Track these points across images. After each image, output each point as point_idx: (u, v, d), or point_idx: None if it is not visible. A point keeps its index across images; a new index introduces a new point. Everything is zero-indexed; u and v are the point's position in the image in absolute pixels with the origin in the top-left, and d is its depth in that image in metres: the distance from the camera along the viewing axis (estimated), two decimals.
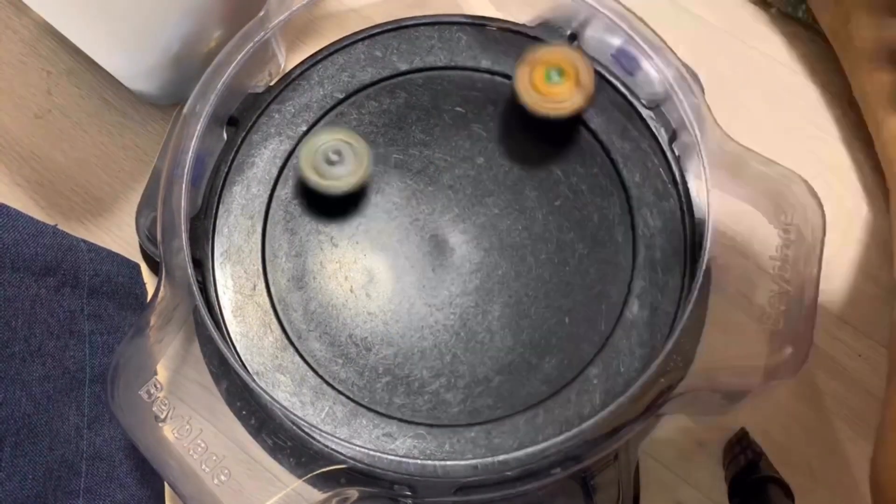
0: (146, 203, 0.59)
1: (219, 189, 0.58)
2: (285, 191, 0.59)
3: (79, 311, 0.57)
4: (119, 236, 0.66)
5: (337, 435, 0.53)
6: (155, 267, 0.62)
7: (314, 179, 0.56)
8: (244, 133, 0.59)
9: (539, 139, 0.60)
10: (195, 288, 0.52)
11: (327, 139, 0.57)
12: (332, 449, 0.53)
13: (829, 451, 0.60)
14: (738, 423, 0.60)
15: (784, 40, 0.69)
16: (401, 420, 0.54)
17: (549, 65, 0.57)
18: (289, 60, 0.64)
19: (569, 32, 0.62)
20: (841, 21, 0.66)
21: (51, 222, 0.64)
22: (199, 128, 0.55)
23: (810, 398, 0.61)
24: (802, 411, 0.61)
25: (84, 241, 0.59)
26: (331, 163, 0.56)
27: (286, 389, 0.54)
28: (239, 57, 0.57)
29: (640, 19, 0.57)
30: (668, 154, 0.59)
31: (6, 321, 0.50)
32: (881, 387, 0.60)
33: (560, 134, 0.60)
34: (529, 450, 0.51)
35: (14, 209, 0.51)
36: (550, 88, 0.57)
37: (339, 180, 0.56)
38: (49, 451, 0.52)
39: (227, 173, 0.59)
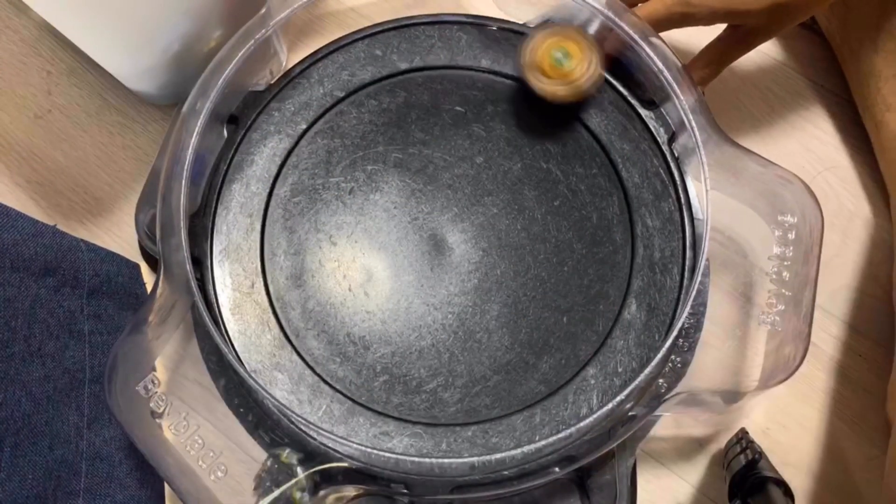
0: (145, 200, 0.59)
1: (218, 187, 0.58)
2: (284, 189, 0.59)
3: (78, 312, 0.57)
4: (119, 236, 0.66)
5: (334, 433, 0.53)
6: (154, 264, 0.62)
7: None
8: (244, 131, 0.59)
9: (538, 139, 0.60)
10: (194, 285, 0.53)
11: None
12: (329, 447, 0.53)
13: (829, 451, 0.60)
14: (738, 423, 0.60)
15: (784, 41, 0.69)
16: (398, 419, 0.54)
17: (556, 45, 0.57)
18: (290, 59, 0.64)
19: None
20: (839, 23, 0.66)
21: (51, 222, 0.64)
22: (198, 125, 0.55)
23: (810, 398, 0.61)
24: (802, 411, 0.61)
25: (84, 242, 0.59)
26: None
27: (284, 387, 0.54)
28: (240, 54, 0.57)
29: (640, 19, 0.57)
30: (668, 155, 0.59)
31: (6, 321, 0.50)
32: (881, 387, 0.60)
33: (560, 133, 0.60)
34: (526, 449, 0.51)
35: (14, 209, 0.51)
36: (558, 69, 0.57)
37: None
38: (49, 452, 0.52)
39: (227, 171, 0.59)
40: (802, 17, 0.58)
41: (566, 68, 0.56)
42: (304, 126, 0.60)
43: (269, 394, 0.51)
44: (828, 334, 0.62)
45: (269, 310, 0.56)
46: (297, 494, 0.50)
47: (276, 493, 0.50)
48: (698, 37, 0.60)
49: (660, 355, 0.52)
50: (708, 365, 0.57)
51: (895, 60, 0.62)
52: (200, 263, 0.57)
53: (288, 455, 0.51)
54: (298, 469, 0.51)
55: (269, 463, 0.52)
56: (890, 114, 0.62)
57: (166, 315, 0.54)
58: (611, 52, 0.60)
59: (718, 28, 0.59)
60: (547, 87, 0.57)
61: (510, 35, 0.62)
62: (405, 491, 0.52)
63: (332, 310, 0.56)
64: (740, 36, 0.58)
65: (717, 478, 0.59)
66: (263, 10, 0.58)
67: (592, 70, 0.57)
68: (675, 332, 0.52)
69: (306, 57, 0.62)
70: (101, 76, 0.69)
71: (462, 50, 0.61)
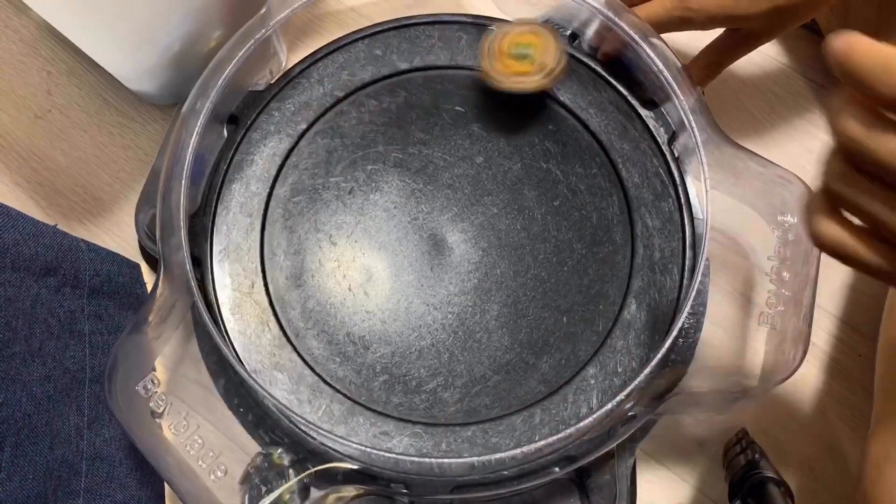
0: (145, 200, 0.59)
1: (218, 187, 0.58)
2: (284, 189, 0.59)
3: (79, 311, 0.57)
4: (119, 236, 0.66)
5: (334, 433, 0.53)
6: (154, 264, 0.62)
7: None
8: (244, 131, 0.60)
9: (539, 139, 0.60)
10: (193, 285, 0.52)
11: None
12: (329, 447, 0.53)
13: (829, 451, 0.60)
14: (738, 423, 0.60)
15: (784, 41, 0.69)
16: (398, 418, 0.54)
17: (516, 41, 0.57)
18: (290, 59, 0.64)
19: (569, 32, 0.62)
20: (839, 23, 0.66)
21: (51, 222, 0.64)
22: (198, 125, 0.55)
23: (810, 398, 0.61)
24: (802, 411, 0.61)
25: (84, 242, 0.59)
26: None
27: (283, 387, 0.54)
28: (240, 54, 0.57)
29: (640, 19, 0.57)
30: (668, 154, 0.59)
31: (7, 321, 0.50)
32: None
33: (560, 133, 0.60)
34: (526, 449, 0.51)
35: (14, 209, 0.51)
36: (515, 64, 0.57)
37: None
38: (49, 452, 0.52)
39: (227, 171, 0.59)
40: (801, 21, 0.58)
41: (526, 62, 0.57)
42: (304, 126, 0.60)
43: (269, 393, 0.51)
44: (828, 334, 0.62)
45: (269, 309, 0.56)
46: (287, 496, 0.50)
47: (273, 496, 0.50)
48: (698, 37, 0.60)
49: (660, 355, 0.52)
50: (708, 365, 0.57)
51: None
52: (200, 263, 0.57)
53: (280, 455, 0.51)
54: (290, 471, 0.51)
55: (258, 459, 0.52)
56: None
57: (166, 315, 0.54)
58: (611, 51, 0.60)
59: (718, 29, 0.59)
60: (506, 81, 0.57)
61: None
62: (405, 491, 0.52)
63: (331, 309, 0.56)
64: (740, 38, 0.58)
65: (717, 478, 0.59)
66: (263, 10, 0.59)
67: (555, 62, 0.57)
68: (675, 332, 0.52)
69: (306, 57, 0.62)
70: (101, 76, 0.69)
71: (462, 50, 0.61)
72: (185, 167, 0.54)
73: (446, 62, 0.61)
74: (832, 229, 0.36)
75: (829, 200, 0.36)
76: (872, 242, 0.35)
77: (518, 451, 0.51)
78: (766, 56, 0.69)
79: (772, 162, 0.56)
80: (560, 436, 0.51)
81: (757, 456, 0.56)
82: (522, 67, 0.57)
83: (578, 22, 0.61)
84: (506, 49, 0.57)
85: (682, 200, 0.58)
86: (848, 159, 0.35)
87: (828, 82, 0.68)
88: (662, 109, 0.60)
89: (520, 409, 0.54)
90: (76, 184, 0.67)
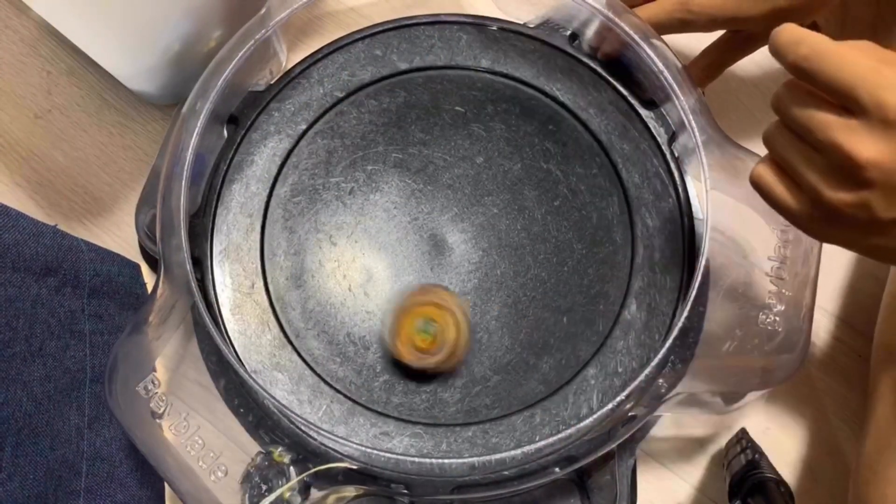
0: (145, 201, 0.59)
1: (218, 187, 0.58)
2: (284, 189, 0.59)
3: (79, 311, 0.57)
4: (119, 236, 0.66)
5: (334, 433, 0.53)
6: (154, 264, 0.62)
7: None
8: (244, 131, 0.59)
9: (538, 139, 0.60)
10: (194, 285, 0.52)
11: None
12: (330, 447, 0.53)
13: (829, 451, 0.60)
14: (738, 423, 0.60)
15: None
16: (398, 419, 0.54)
17: (420, 315, 0.54)
18: (290, 59, 0.64)
19: (569, 32, 0.62)
20: (837, 24, 0.66)
21: (51, 222, 0.64)
22: (198, 126, 0.55)
23: (810, 398, 0.61)
24: (802, 411, 0.61)
25: (85, 242, 0.59)
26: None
27: (284, 387, 0.54)
28: (240, 55, 0.57)
29: (640, 19, 0.57)
30: (668, 155, 0.59)
31: (7, 321, 0.50)
32: None
33: (560, 133, 0.60)
34: (527, 449, 0.51)
35: (15, 210, 0.51)
36: (422, 339, 0.53)
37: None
38: (50, 451, 0.52)
39: (227, 171, 0.59)
40: (802, 23, 0.58)
41: (431, 339, 0.53)
42: (304, 126, 0.60)
43: (270, 394, 0.51)
44: (828, 334, 0.62)
45: (270, 310, 0.56)
46: (287, 494, 0.50)
47: (274, 495, 0.50)
48: (699, 38, 0.60)
49: (660, 355, 0.52)
50: (708, 365, 0.57)
51: None
52: (200, 264, 0.57)
53: (280, 453, 0.52)
54: (292, 469, 0.51)
55: (258, 459, 0.52)
56: None
57: (167, 315, 0.54)
58: (611, 52, 0.60)
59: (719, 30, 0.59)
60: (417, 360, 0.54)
61: (510, 35, 0.62)
62: (405, 491, 0.52)
63: (332, 310, 0.57)
64: (741, 40, 0.58)
65: (717, 478, 0.59)
66: (263, 11, 0.58)
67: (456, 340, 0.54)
68: (675, 332, 0.52)
69: (306, 57, 0.62)
70: (101, 76, 0.69)
71: (462, 50, 0.61)
72: (186, 167, 0.54)
73: (446, 62, 0.61)
74: (764, 170, 0.46)
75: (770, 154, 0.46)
76: (792, 187, 0.44)
77: (518, 451, 0.51)
78: (766, 56, 0.68)
79: None
80: (560, 436, 0.51)
81: (757, 456, 0.55)
82: (424, 344, 0.54)
83: (578, 22, 0.61)
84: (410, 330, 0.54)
85: (682, 200, 0.58)
86: (781, 121, 0.45)
87: None
88: (662, 110, 0.60)
89: (520, 409, 0.54)
90: (76, 184, 0.67)
